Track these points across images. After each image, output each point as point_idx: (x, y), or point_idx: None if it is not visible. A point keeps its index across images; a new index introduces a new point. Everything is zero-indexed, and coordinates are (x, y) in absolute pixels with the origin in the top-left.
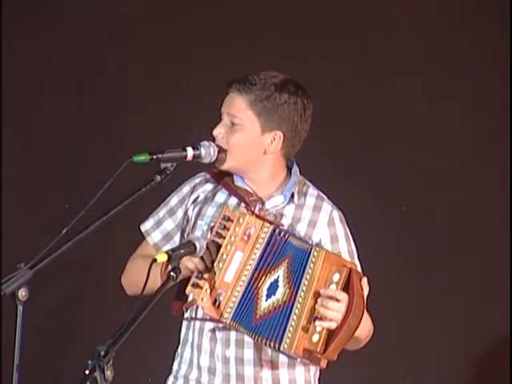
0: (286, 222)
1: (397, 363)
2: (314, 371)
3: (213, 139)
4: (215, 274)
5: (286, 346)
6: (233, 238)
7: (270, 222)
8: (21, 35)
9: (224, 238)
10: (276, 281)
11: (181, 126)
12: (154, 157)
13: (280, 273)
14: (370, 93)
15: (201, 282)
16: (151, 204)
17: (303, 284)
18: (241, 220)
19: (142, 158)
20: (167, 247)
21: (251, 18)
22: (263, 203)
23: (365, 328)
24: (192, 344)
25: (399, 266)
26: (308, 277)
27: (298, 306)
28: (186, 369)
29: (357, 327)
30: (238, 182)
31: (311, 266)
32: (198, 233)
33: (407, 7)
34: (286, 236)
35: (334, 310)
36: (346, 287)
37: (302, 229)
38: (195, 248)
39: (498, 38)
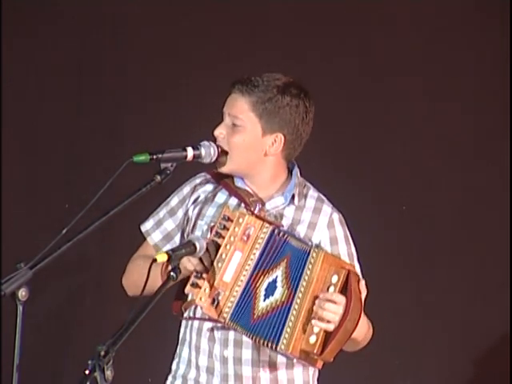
0: (285, 223)
1: (397, 363)
2: (312, 371)
3: (214, 139)
4: (214, 273)
5: (282, 347)
6: (232, 238)
7: (270, 223)
8: (21, 35)
9: (223, 237)
10: (274, 281)
11: (181, 126)
12: (154, 157)
13: (278, 273)
14: (370, 93)
15: (200, 282)
16: (151, 204)
17: (301, 285)
18: (240, 220)
19: (142, 157)
20: (167, 247)
21: (251, 18)
22: (263, 204)
23: (362, 330)
24: (190, 344)
25: (399, 266)
26: (306, 278)
27: (296, 306)
28: (185, 369)
29: (354, 329)
30: (239, 183)
31: (310, 266)
32: (197, 233)
33: (407, 7)
34: (286, 237)
35: (332, 312)
36: (344, 289)
37: (301, 230)
38: (195, 248)
39: (497, 38)
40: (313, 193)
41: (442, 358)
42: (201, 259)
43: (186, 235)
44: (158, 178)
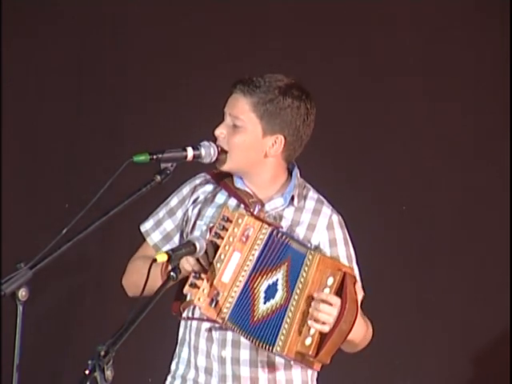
0: (285, 225)
1: (397, 363)
2: (311, 372)
3: (214, 139)
4: (213, 274)
5: (278, 349)
6: (231, 239)
7: (269, 224)
8: (21, 35)
9: (222, 238)
10: (275, 284)
11: (181, 126)
12: (154, 157)
13: (279, 276)
14: (370, 93)
15: (198, 282)
16: (151, 204)
17: (297, 287)
18: (240, 221)
19: (142, 157)
20: (167, 248)
21: (251, 18)
22: (263, 205)
23: (359, 332)
24: (189, 344)
25: (399, 266)
26: (302, 280)
27: (292, 308)
28: (184, 369)
29: (349, 331)
30: (238, 184)
31: (306, 269)
32: (196, 233)
33: (407, 7)
34: (285, 238)
35: (326, 313)
36: (340, 291)
37: (301, 232)
38: (195, 248)
39: (498, 38)
40: (312, 194)
41: (442, 358)
42: (199, 259)
43: (185, 235)
44: (158, 177)
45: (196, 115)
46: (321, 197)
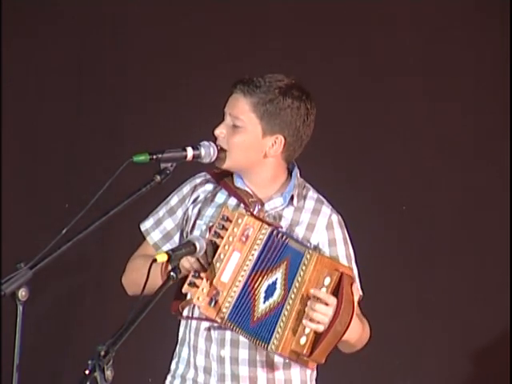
0: (284, 224)
1: (397, 363)
2: (310, 371)
3: (214, 138)
4: (212, 273)
5: (273, 347)
6: (231, 238)
7: (269, 224)
8: (21, 35)
9: (222, 237)
10: (274, 283)
11: (181, 126)
12: (154, 157)
13: (278, 275)
14: (370, 93)
15: (197, 281)
16: (151, 204)
17: (294, 286)
18: (239, 220)
19: (142, 158)
20: (167, 247)
21: (251, 17)
22: (262, 204)
23: (355, 332)
24: (189, 344)
25: (399, 266)
26: (299, 279)
27: (288, 307)
28: (184, 368)
29: (344, 331)
30: (238, 183)
31: (303, 268)
32: (196, 232)
33: (407, 7)
34: (284, 238)
35: (322, 313)
36: (337, 291)
37: (300, 232)
38: (195, 248)
39: (498, 38)
40: (312, 194)
41: (441, 358)
42: (197, 259)
43: (185, 235)
44: (158, 177)
45: (196, 115)
46: (320, 196)
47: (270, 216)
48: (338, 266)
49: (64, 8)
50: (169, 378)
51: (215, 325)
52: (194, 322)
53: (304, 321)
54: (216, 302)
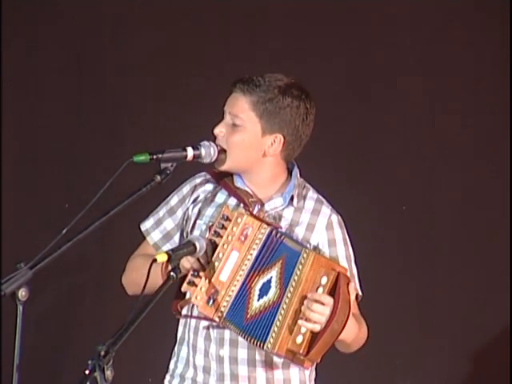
0: (284, 225)
1: (397, 363)
2: (309, 371)
3: (213, 137)
4: (211, 272)
5: (269, 346)
6: (230, 238)
7: (268, 224)
8: (21, 35)
9: (222, 237)
10: (269, 281)
11: (181, 126)
12: (154, 157)
13: (273, 273)
14: (370, 93)
15: (196, 280)
16: (151, 204)
17: (290, 285)
18: (239, 220)
19: (142, 158)
20: (167, 247)
21: (251, 18)
22: (262, 205)
23: (351, 332)
24: (188, 343)
25: (399, 266)
26: (296, 278)
27: (284, 306)
28: (183, 368)
29: (341, 331)
30: (238, 183)
31: (300, 267)
32: (196, 232)
33: (407, 7)
34: (280, 236)
35: (318, 313)
36: (334, 291)
37: (300, 232)
38: (195, 248)
39: (497, 38)
40: (312, 194)
41: (441, 358)
42: (197, 258)
43: (185, 235)
44: (158, 177)
45: (196, 115)
46: (320, 196)
47: (269, 216)
48: (334, 265)
49: (64, 8)
50: (167, 377)
51: (214, 324)
52: (193, 321)
53: (300, 321)
54: (214, 301)
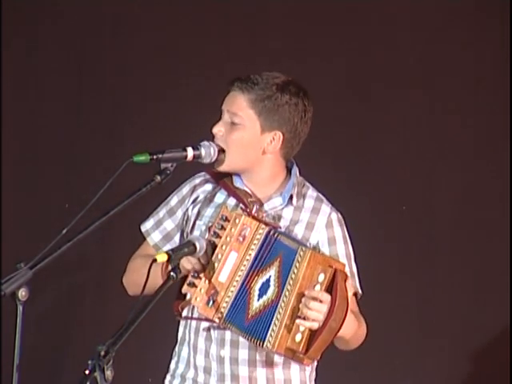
0: (283, 224)
1: (397, 363)
2: (309, 371)
3: (212, 137)
4: (210, 273)
5: (268, 345)
6: (228, 239)
7: (266, 224)
8: (21, 35)
9: (221, 237)
10: (268, 280)
11: (181, 126)
12: (154, 157)
13: (272, 272)
14: (370, 93)
15: (196, 281)
16: (151, 204)
17: (288, 283)
18: (237, 221)
19: (142, 158)
20: (167, 247)
21: (251, 17)
22: (261, 204)
23: (350, 328)
24: (189, 343)
25: (399, 266)
26: (293, 276)
27: (283, 304)
28: (184, 368)
29: (339, 328)
30: (237, 183)
31: (297, 265)
32: (196, 233)
33: (407, 7)
34: (277, 235)
35: (316, 310)
36: (331, 288)
37: (299, 231)
38: (195, 248)
39: (498, 38)
40: (311, 192)
41: (441, 358)
42: (198, 259)
43: (185, 235)
44: (158, 178)
45: (196, 115)
46: (320, 195)
47: (269, 216)
48: (331, 262)
49: (64, 8)
50: (168, 377)
51: (215, 325)
52: (194, 322)
53: (298, 320)
54: (214, 302)
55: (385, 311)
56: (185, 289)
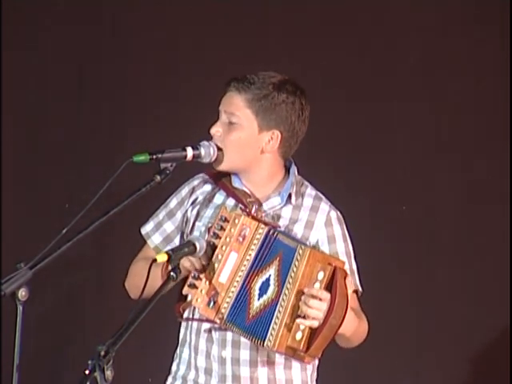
0: (283, 224)
1: (397, 363)
2: (310, 371)
3: (210, 138)
4: (210, 274)
5: (269, 344)
6: (228, 239)
7: (266, 224)
8: (21, 35)
9: (220, 238)
10: (268, 280)
11: (181, 126)
12: (154, 157)
13: (271, 271)
14: (370, 92)
15: (197, 283)
16: (151, 204)
17: (288, 282)
18: (236, 221)
19: (142, 158)
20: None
21: (251, 17)
22: (260, 204)
23: (350, 326)
24: (190, 345)
25: (399, 266)
26: (293, 274)
27: (282, 303)
28: (185, 370)
29: (339, 326)
30: (236, 183)
31: (296, 263)
32: (196, 234)
33: (407, 7)
34: (278, 235)
35: (316, 309)
36: (331, 286)
37: (299, 230)
38: (195, 248)
39: (497, 38)
40: (310, 191)
41: (441, 358)
42: (199, 259)
43: (185, 237)
44: (158, 178)
45: (196, 115)
46: (319, 193)
47: (268, 216)
48: (330, 259)
49: (64, 8)
50: (170, 379)
51: (216, 326)
52: (195, 323)
53: (298, 319)
54: (215, 303)
55: (385, 312)
56: (185, 290)
